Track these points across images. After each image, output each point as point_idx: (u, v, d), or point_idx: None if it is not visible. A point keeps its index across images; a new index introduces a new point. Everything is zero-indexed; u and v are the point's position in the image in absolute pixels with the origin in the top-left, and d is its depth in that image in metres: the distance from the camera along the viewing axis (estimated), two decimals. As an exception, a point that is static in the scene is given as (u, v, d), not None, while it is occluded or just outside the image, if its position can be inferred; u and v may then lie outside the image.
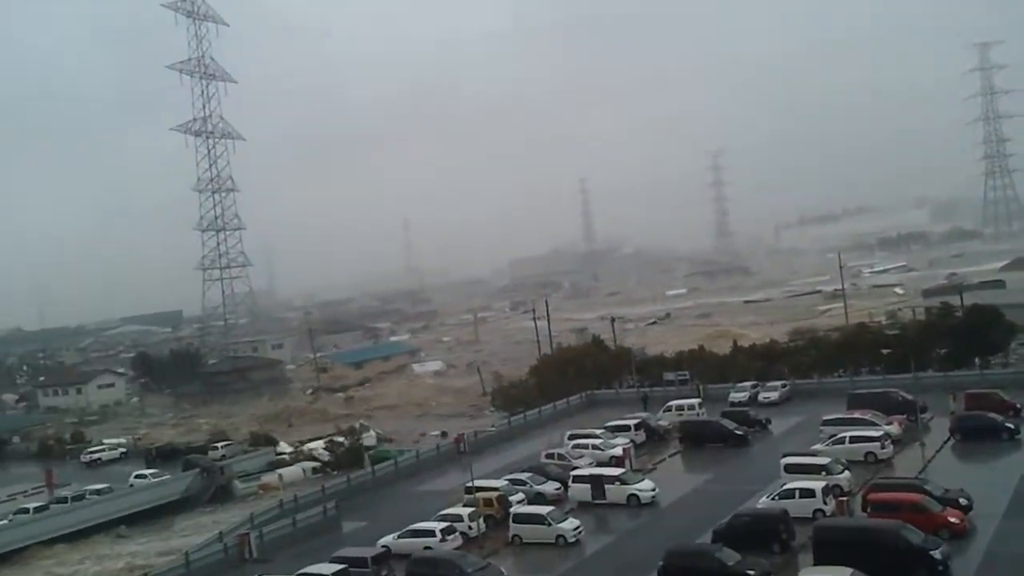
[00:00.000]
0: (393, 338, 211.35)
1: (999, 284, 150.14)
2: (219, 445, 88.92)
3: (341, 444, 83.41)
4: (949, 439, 57.53)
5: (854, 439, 55.37)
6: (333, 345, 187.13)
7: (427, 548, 45.37)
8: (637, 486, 52.37)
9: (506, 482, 54.32)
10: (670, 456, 63.56)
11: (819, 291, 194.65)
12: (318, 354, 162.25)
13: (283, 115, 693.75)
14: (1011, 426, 57.27)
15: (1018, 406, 61.79)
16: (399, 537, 47.64)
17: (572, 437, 64.93)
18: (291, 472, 77.27)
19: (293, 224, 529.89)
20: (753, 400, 76.43)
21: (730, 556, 38.42)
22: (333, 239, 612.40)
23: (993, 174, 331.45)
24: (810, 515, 43.56)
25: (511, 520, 47.73)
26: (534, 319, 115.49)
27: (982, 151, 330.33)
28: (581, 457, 60.36)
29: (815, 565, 36.81)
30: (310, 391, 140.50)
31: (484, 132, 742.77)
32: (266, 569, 45.69)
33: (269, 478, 75.83)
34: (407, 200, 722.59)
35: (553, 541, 45.96)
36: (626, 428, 67.28)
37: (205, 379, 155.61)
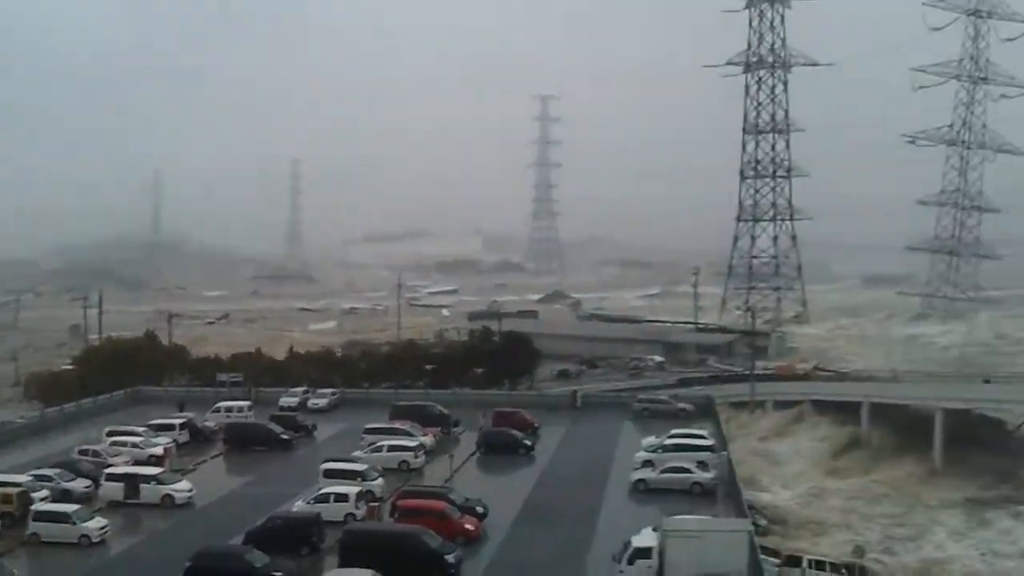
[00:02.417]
0: None
1: (533, 314, 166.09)
2: None
3: None
4: (475, 452, 62.75)
5: (391, 448, 58.41)
6: None
7: (-71, 548, 41.27)
8: (173, 486, 51.31)
9: (30, 478, 50.75)
10: (212, 457, 62.87)
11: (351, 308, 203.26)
12: None
13: None
14: (528, 443, 63.78)
15: (537, 424, 69.00)
16: None
17: (111, 434, 62.04)
18: None
19: None
20: (303, 406, 77.67)
21: (258, 558, 38.92)
22: None
23: (539, 215, 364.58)
24: (342, 519, 45.27)
25: (31, 518, 44.75)
26: (84, 307, 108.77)
27: (533, 193, 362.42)
28: (119, 455, 57.89)
29: (340, 568, 38.26)
30: None
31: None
32: None
33: None
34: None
35: (76, 541, 43.70)
36: (170, 427, 65.53)
37: None
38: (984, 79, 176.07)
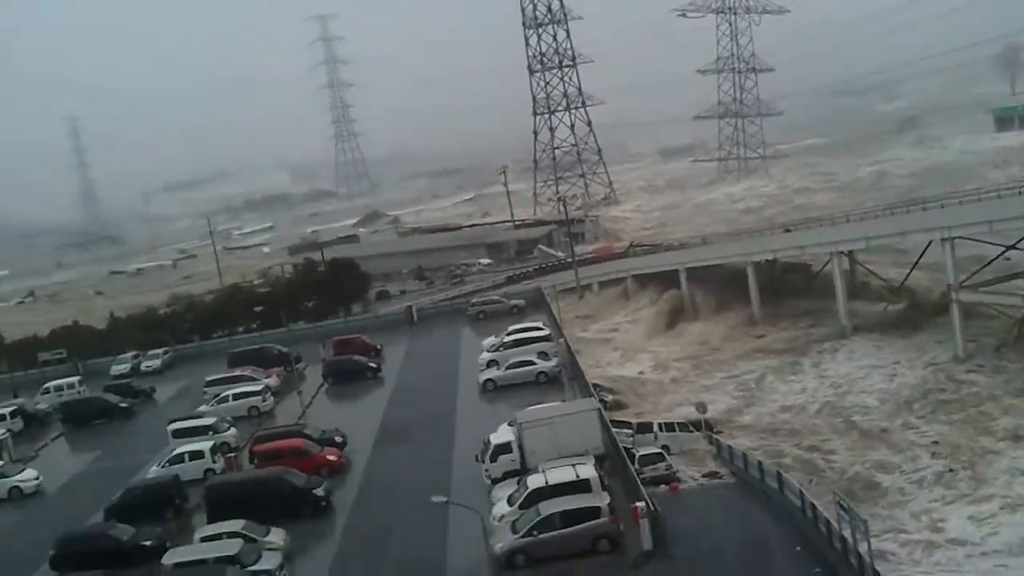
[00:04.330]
0: None
1: (354, 239, 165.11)
2: None
3: None
4: (323, 384, 62.96)
5: (237, 396, 58.01)
6: None
7: None
8: (18, 477, 49.69)
9: None
10: (53, 440, 60.82)
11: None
12: None
13: None
14: (374, 365, 64.50)
15: (379, 347, 69.65)
16: None
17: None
18: None
19: None
20: (136, 371, 75.45)
21: (124, 531, 38.50)
22: None
23: (341, 138, 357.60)
24: (202, 476, 45.08)
25: None
26: None
27: (331, 116, 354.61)
28: (-50, 457, 55.13)
29: (209, 523, 38.33)
30: None
31: None
32: None
33: None
34: None
35: (-76, 553, 42.11)
36: (0, 417, 62.74)
37: None
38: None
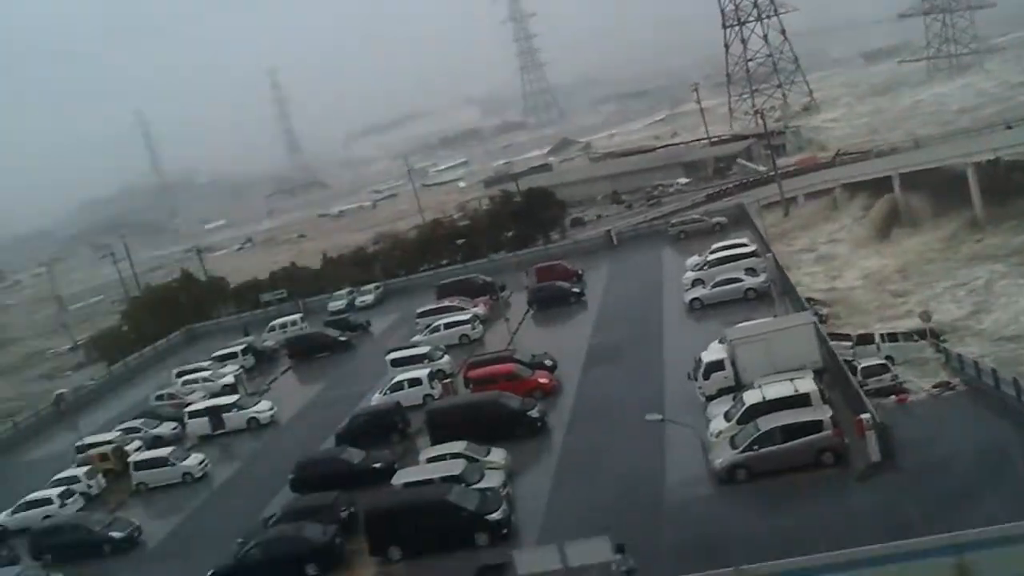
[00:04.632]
0: None
1: (546, 168, 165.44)
2: None
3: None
4: (528, 310, 63.82)
5: (448, 325, 59.68)
6: None
7: (47, 517, 43.13)
8: (255, 409, 53.03)
9: (119, 433, 52.57)
10: (282, 374, 64.43)
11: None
12: None
13: None
14: (577, 290, 64.79)
15: (580, 272, 69.79)
16: (13, 512, 44.71)
17: (180, 374, 63.64)
18: None
19: None
20: (351, 306, 78.32)
21: (355, 455, 40.63)
22: None
23: (527, 69, 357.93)
24: (421, 402, 46.87)
25: (132, 469, 46.60)
26: (115, 263, 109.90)
27: (515, 48, 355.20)
28: (193, 392, 59.55)
29: (433, 445, 39.90)
30: None
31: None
32: None
33: None
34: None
35: (180, 480, 45.72)
36: (233, 355, 66.91)
37: None
38: None
